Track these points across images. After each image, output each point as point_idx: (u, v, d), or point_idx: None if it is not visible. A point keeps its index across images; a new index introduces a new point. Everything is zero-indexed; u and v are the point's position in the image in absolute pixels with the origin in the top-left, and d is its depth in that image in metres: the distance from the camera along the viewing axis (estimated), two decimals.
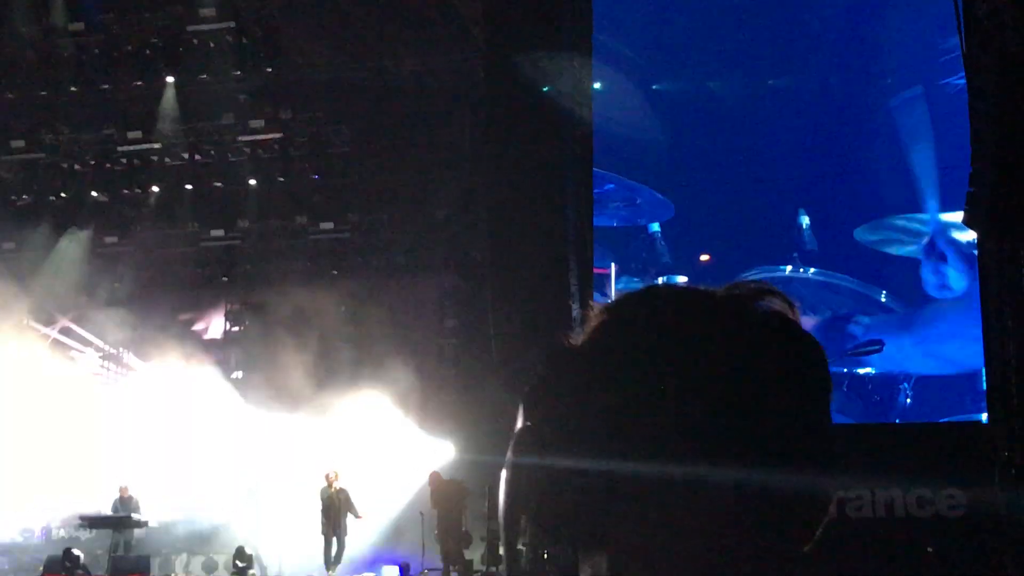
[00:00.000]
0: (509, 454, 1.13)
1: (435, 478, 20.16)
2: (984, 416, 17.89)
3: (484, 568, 18.99)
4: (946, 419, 18.61)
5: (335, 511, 19.35)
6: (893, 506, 16.71)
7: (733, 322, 1.12)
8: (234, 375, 26.51)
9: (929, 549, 15.27)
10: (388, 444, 24.15)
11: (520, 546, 1.18)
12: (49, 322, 26.43)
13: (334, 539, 19.28)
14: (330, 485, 19.63)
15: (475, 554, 19.23)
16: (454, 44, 23.00)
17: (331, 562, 19.23)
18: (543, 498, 1.11)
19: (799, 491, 1.09)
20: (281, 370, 26.27)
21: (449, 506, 19.26)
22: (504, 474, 1.14)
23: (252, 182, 25.49)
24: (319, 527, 19.55)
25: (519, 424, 1.14)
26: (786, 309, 1.14)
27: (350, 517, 19.62)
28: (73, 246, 26.05)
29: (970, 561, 15.49)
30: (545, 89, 19.28)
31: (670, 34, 20.68)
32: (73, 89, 25.56)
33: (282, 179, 25.29)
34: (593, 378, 1.11)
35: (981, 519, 16.40)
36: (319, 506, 19.57)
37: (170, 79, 24.97)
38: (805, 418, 1.10)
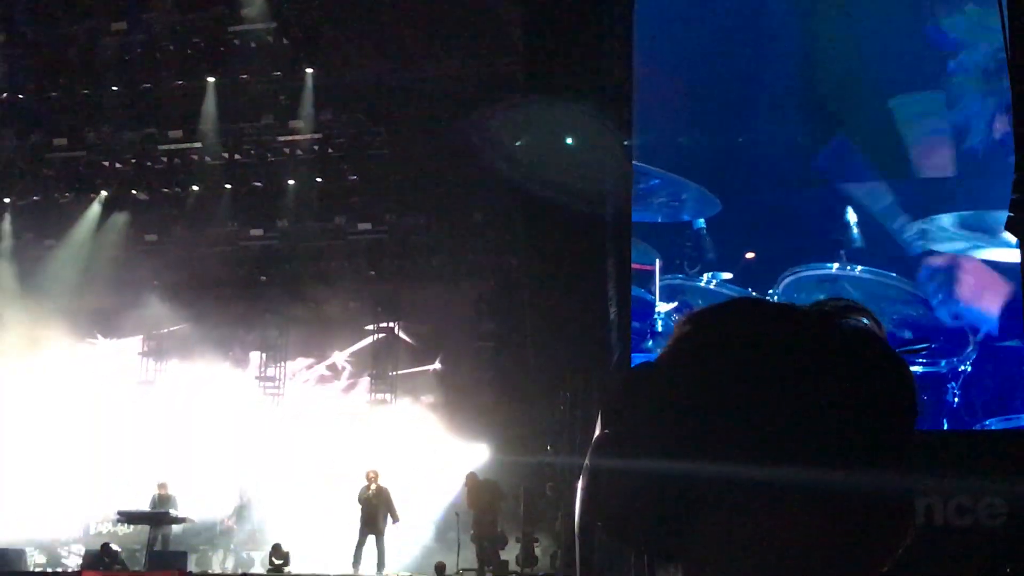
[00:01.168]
0: (587, 460, 1.13)
1: (471, 479, 20.19)
2: None
3: (519, 569, 18.98)
4: (994, 419, 18.43)
5: (372, 512, 19.19)
6: (932, 514, 16.59)
7: (819, 337, 1.10)
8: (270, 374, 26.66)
9: (1008, 571, 15.14)
10: (425, 445, 24.22)
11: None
12: (89, 320, 26.66)
13: (371, 540, 19.09)
14: (369, 485, 19.51)
15: (510, 555, 19.23)
16: (494, 48, 23.03)
17: (359, 561, 19.08)
18: (620, 506, 1.10)
19: (882, 509, 1.08)
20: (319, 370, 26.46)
21: (484, 507, 19.28)
22: (581, 481, 1.13)
23: (291, 182, 25.61)
24: (358, 527, 19.52)
25: (597, 432, 1.13)
26: (874, 327, 1.13)
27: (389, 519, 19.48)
28: (111, 230, 26.25)
29: (1010, 571, 15.34)
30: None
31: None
32: (115, 88, 25.78)
33: (320, 180, 25.40)
34: (675, 389, 1.10)
35: (1022, 529, 16.26)
36: (357, 507, 19.47)
37: (211, 79, 25.14)
38: (890, 437, 1.09)
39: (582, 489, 1.13)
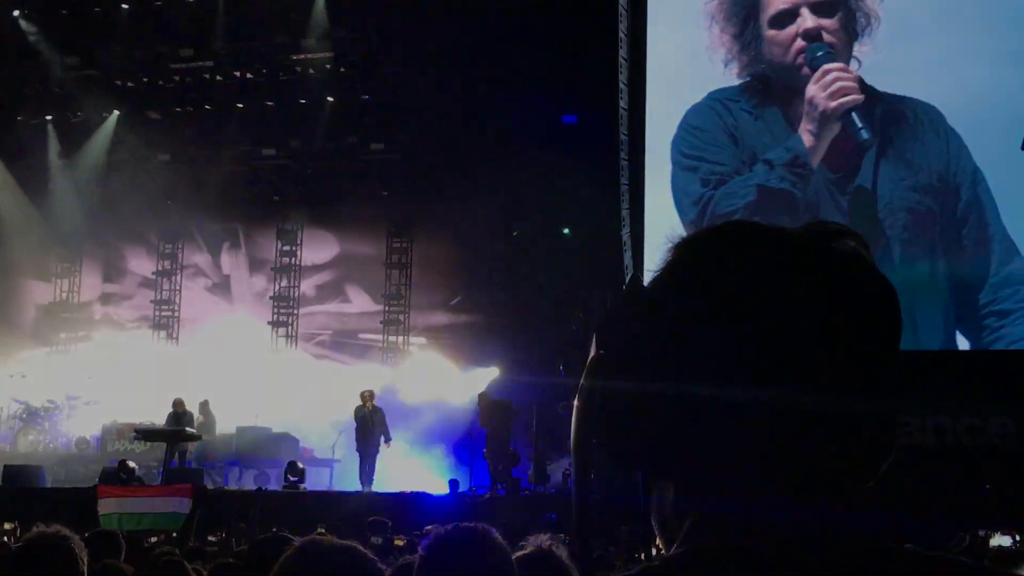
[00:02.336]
0: (582, 380, 1.15)
1: (483, 398, 20.34)
2: None
3: (532, 487, 19.19)
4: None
5: (367, 430, 19.63)
6: (944, 434, 16.70)
7: (809, 257, 1.13)
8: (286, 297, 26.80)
9: (987, 486, 15.25)
10: (438, 365, 24.40)
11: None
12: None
13: (367, 456, 19.59)
14: (364, 403, 19.90)
15: (522, 473, 19.43)
16: None
17: (365, 479, 19.52)
18: (614, 423, 1.13)
19: (868, 422, 1.10)
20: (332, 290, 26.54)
21: (497, 425, 19.43)
22: (576, 400, 1.16)
23: (303, 101, 25.50)
24: (354, 444, 19.94)
25: (592, 352, 1.15)
26: (862, 250, 1.15)
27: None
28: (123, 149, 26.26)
29: (1019, 490, 15.47)
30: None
31: None
32: (126, 6, 25.61)
33: (332, 99, 25.27)
34: (666, 309, 1.12)
35: None
36: (353, 424, 19.91)
37: None
38: (878, 351, 1.11)
39: (577, 408, 1.15)
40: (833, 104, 18.52)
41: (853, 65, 18.88)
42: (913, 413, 15.90)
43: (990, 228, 18.38)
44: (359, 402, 20.03)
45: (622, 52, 19.49)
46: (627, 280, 19.36)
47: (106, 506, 16.03)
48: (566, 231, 22.56)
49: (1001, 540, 12.73)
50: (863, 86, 18.70)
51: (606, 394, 1.13)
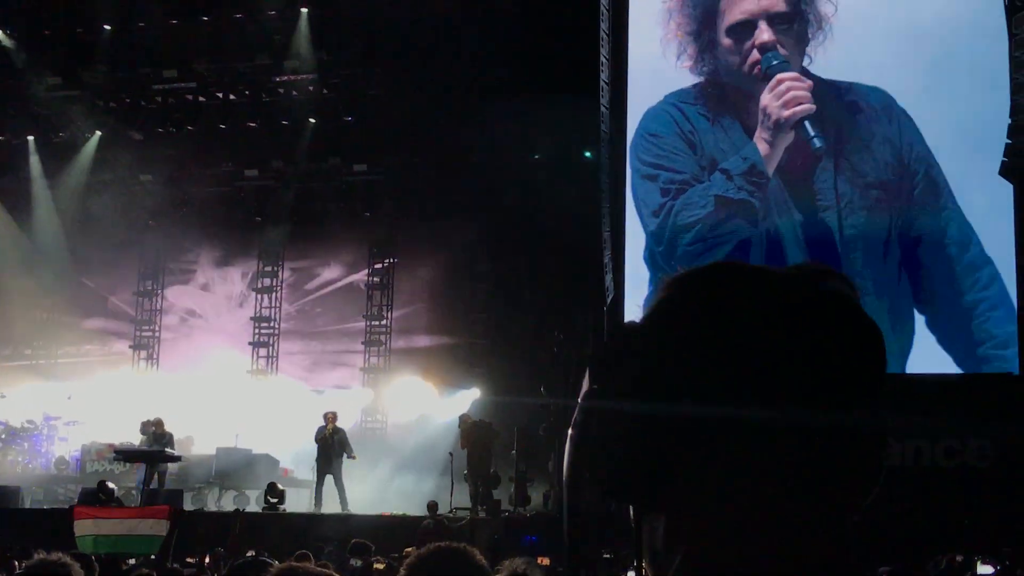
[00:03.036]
0: (576, 415, 1.19)
1: (465, 419, 20.33)
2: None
3: (512, 509, 19.17)
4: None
5: (328, 452, 19.61)
6: (921, 455, 16.77)
7: (798, 301, 1.17)
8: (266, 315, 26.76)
9: (966, 521, 15.29)
10: (418, 386, 24.36)
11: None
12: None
13: (329, 479, 19.53)
14: (327, 425, 19.88)
15: (503, 494, 19.41)
16: None
17: (320, 501, 19.51)
18: (607, 459, 1.16)
19: (855, 458, 1.15)
20: (314, 311, 26.51)
21: (478, 447, 19.42)
22: (569, 435, 1.20)
23: (285, 123, 25.51)
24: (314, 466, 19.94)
25: (584, 388, 1.19)
26: (848, 291, 1.20)
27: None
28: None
29: (996, 511, 15.54)
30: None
31: None
32: (108, 27, 25.58)
33: (315, 120, 25.29)
34: (657, 348, 1.16)
35: (1008, 470, 16.45)
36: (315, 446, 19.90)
37: (205, 18, 24.93)
38: (862, 393, 1.16)
39: (570, 442, 1.19)
40: (786, 113, 18.75)
41: (806, 61, 19.10)
42: (892, 434, 15.94)
43: (945, 213, 18.49)
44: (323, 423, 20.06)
45: (603, 76, 19.58)
46: (608, 301, 19.39)
47: (82, 527, 15.89)
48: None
49: (983, 568, 12.75)
50: (817, 89, 18.87)
51: (599, 428, 1.17)
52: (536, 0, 20.41)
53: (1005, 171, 17.47)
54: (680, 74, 19.82)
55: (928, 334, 18.40)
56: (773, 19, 19.16)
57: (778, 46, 18.98)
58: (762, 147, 19.01)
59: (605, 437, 1.16)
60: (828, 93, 18.93)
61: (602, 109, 19.43)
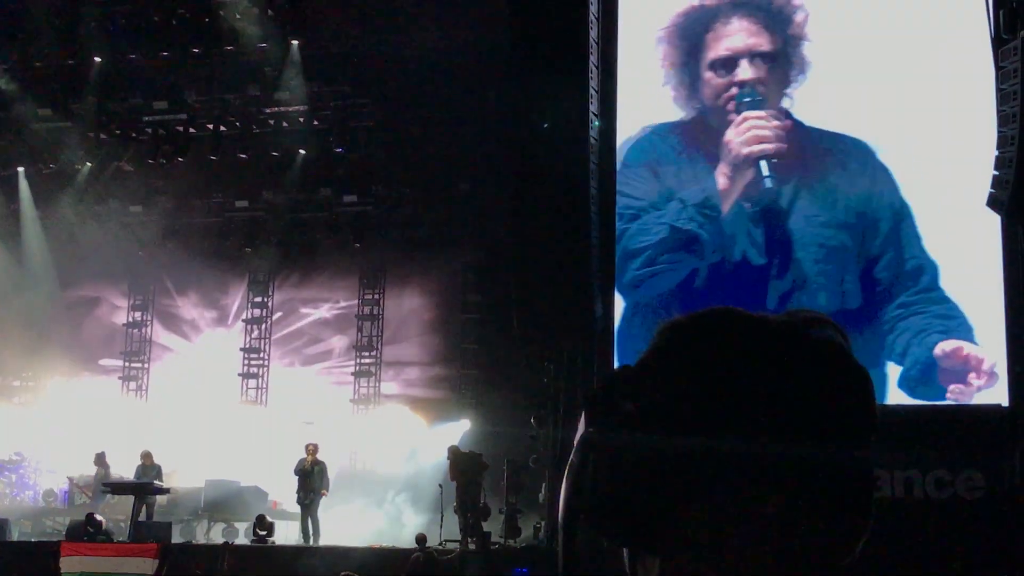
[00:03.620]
0: (572, 457, 1.20)
1: (454, 451, 20.31)
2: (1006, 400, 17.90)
3: (502, 541, 19.11)
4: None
5: (308, 484, 19.58)
6: (912, 487, 16.78)
7: (788, 347, 1.19)
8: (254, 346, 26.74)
9: (955, 563, 15.30)
10: (408, 417, 24.34)
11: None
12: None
13: (308, 512, 19.52)
14: (307, 456, 19.86)
15: (493, 527, 19.35)
16: (479, 18, 22.96)
17: (308, 532, 19.46)
18: (603, 501, 1.17)
19: (846, 502, 1.16)
20: (303, 341, 26.49)
21: (467, 478, 19.38)
22: (565, 477, 1.20)
23: (276, 154, 25.57)
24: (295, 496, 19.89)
25: (580, 430, 1.20)
26: (839, 339, 1.21)
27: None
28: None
29: (988, 544, 15.54)
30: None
31: None
32: (99, 59, 25.65)
33: (305, 151, 25.35)
34: (653, 393, 1.18)
35: (999, 502, 16.46)
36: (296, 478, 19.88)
37: (196, 50, 25.02)
38: (853, 438, 1.18)
39: (566, 485, 1.20)
40: (745, 151, 18.90)
41: (786, 102, 19.23)
42: (883, 466, 15.97)
43: (908, 264, 18.59)
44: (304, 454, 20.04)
45: (592, 107, 19.66)
46: (598, 331, 19.39)
47: (69, 564, 15.82)
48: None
49: None
50: (793, 131, 19.00)
51: (595, 471, 1.18)
52: (525, 40, 20.48)
53: (992, 202, 17.57)
54: (663, 104, 19.98)
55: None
56: (756, 58, 19.34)
57: (758, 85, 19.14)
58: (721, 181, 19.18)
59: (601, 479, 1.17)
60: (804, 136, 19.09)
61: (591, 141, 19.51)
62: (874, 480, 1.20)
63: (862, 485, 1.18)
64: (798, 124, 19.14)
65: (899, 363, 18.31)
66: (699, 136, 19.62)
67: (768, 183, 18.65)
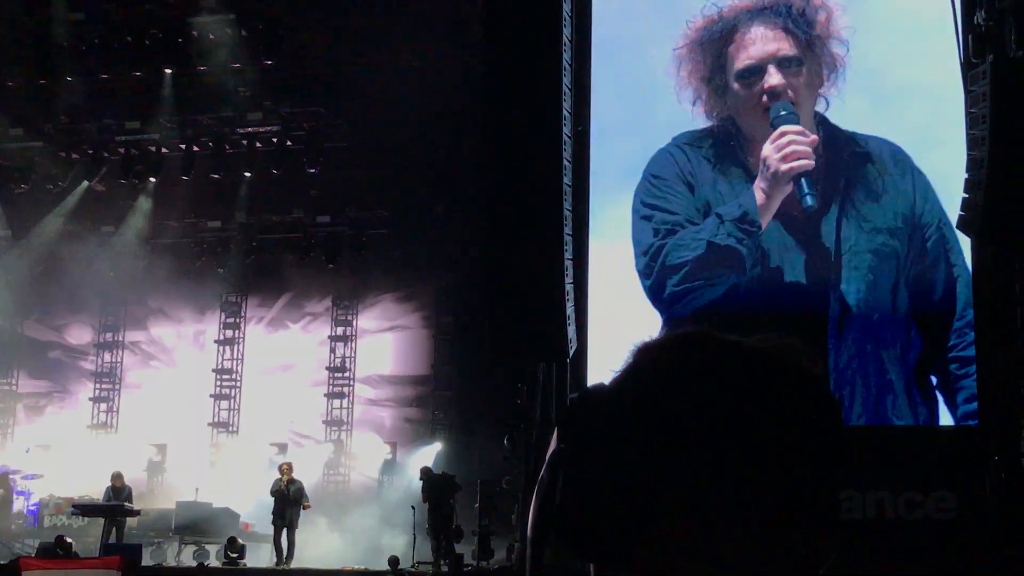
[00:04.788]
0: (542, 474, 1.21)
1: (426, 472, 20.27)
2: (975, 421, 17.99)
3: (475, 563, 19.06)
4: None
5: (283, 504, 19.47)
6: (883, 508, 16.84)
7: (758, 372, 1.21)
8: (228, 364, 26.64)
9: None
10: (381, 438, 24.29)
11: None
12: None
13: (284, 532, 19.41)
14: (282, 476, 19.78)
15: (466, 549, 19.31)
16: (454, 39, 23.05)
17: (281, 554, 19.35)
18: (573, 518, 1.18)
19: (813, 522, 1.18)
20: (276, 362, 26.40)
21: (440, 500, 19.34)
22: (535, 494, 1.21)
23: (248, 174, 25.54)
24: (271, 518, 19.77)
25: (552, 447, 1.21)
26: (809, 365, 1.23)
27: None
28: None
29: (959, 564, 15.59)
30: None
31: None
32: (70, 79, 25.56)
33: (277, 172, 25.30)
34: (624, 412, 1.19)
35: (971, 522, 16.54)
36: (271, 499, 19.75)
37: (168, 70, 24.98)
38: (821, 462, 1.19)
39: (536, 501, 1.21)
40: (784, 167, 18.66)
41: (820, 105, 19.11)
42: (854, 487, 16.03)
43: (955, 269, 18.49)
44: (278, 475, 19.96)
45: (566, 130, 19.72)
46: (570, 354, 19.41)
47: None
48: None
49: None
50: (828, 137, 18.85)
51: (566, 488, 1.18)
52: (500, 61, 20.55)
53: (962, 224, 17.72)
54: (683, 118, 19.75)
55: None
56: (782, 63, 19.09)
57: (788, 91, 18.91)
58: (759, 196, 18.98)
59: (571, 495, 1.18)
60: (839, 141, 18.96)
61: (564, 163, 19.55)
62: (838, 505, 1.22)
63: (827, 510, 1.20)
64: (831, 128, 18.99)
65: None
66: (733, 147, 19.44)
67: (809, 200, 18.42)
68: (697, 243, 19.19)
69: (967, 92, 17.56)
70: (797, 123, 18.64)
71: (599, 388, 1.23)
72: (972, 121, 17.48)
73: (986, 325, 17.91)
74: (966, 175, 17.54)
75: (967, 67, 17.60)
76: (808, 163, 18.47)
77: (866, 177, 18.95)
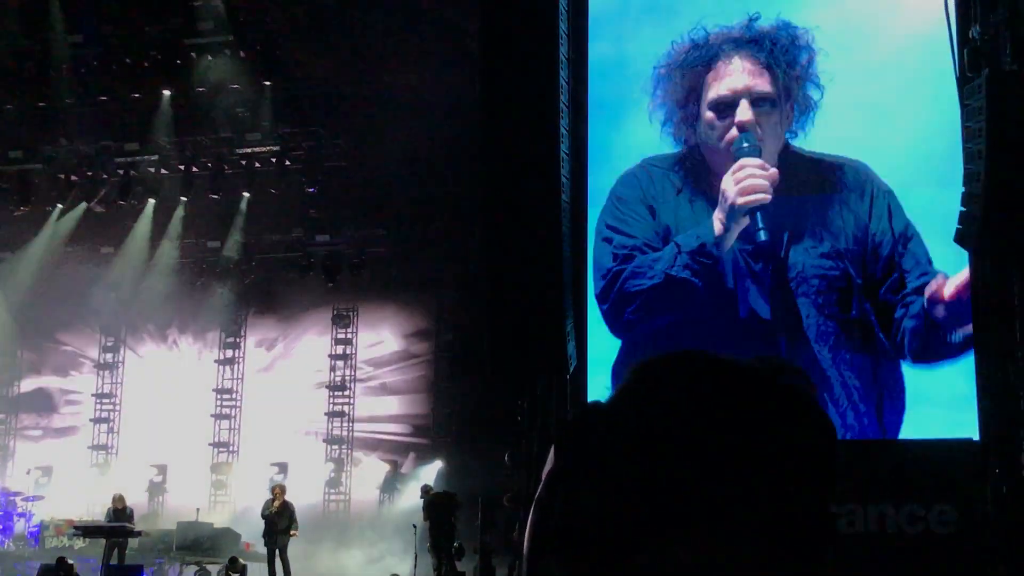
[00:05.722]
0: (539, 492, 1.23)
1: (427, 490, 20.24)
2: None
3: None
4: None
5: (275, 526, 19.38)
6: (884, 521, 16.81)
7: (754, 393, 1.23)
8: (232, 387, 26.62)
9: None
10: (382, 456, 24.24)
11: None
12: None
13: (276, 556, 19.34)
14: (274, 499, 19.68)
15: (467, 567, 19.27)
16: (451, 58, 23.10)
17: (275, 575, 19.26)
18: (569, 537, 1.20)
19: (807, 541, 1.20)
20: (276, 382, 26.37)
21: (441, 518, 19.30)
22: (532, 512, 1.23)
23: (247, 195, 25.57)
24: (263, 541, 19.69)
25: (548, 467, 1.23)
26: (804, 386, 1.26)
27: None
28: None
29: None
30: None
31: None
32: (69, 101, 25.61)
33: (276, 192, 25.33)
34: (621, 431, 1.21)
35: (972, 536, 16.51)
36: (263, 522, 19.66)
37: (167, 92, 25.03)
38: (815, 483, 1.22)
39: (533, 518, 1.23)
40: (740, 200, 18.73)
41: (788, 136, 19.17)
42: (856, 500, 16.01)
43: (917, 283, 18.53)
44: (271, 496, 19.88)
45: (563, 147, 19.74)
46: (570, 371, 19.40)
47: None
48: None
49: None
50: (789, 159, 18.90)
51: (562, 506, 1.20)
52: (497, 80, 20.58)
53: (959, 238, 17.72)
54: (655, 138, 19.80)
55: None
56: (756, 100, 19.21)
57: (757, 127, 19.04)
58: (717, 226, 19.07)
59: (569, 513, 1.20)
60: (800, 167, 19.02)
61: (562, 180, 19.56)
62: (833, 525, 1.24)
63: (823, 529, 1.22)
64: (795, 152, 19.04)
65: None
66: (699, 174, 19.51)
67: (762, 235, 18.52)
68: (653, 272, 19.27)
69: (963, 106, 17.58)
70: (758, 156, 18.75)
71: (596, 406, 1.25)
72: (968, 135, 17.51)
73: (985, 338, 17.90)
74: (963, 188, 17.56)
75: (963, 81, 17.63)
76: (765, 197, 18.55)
77: (820, 203, 19.03)
